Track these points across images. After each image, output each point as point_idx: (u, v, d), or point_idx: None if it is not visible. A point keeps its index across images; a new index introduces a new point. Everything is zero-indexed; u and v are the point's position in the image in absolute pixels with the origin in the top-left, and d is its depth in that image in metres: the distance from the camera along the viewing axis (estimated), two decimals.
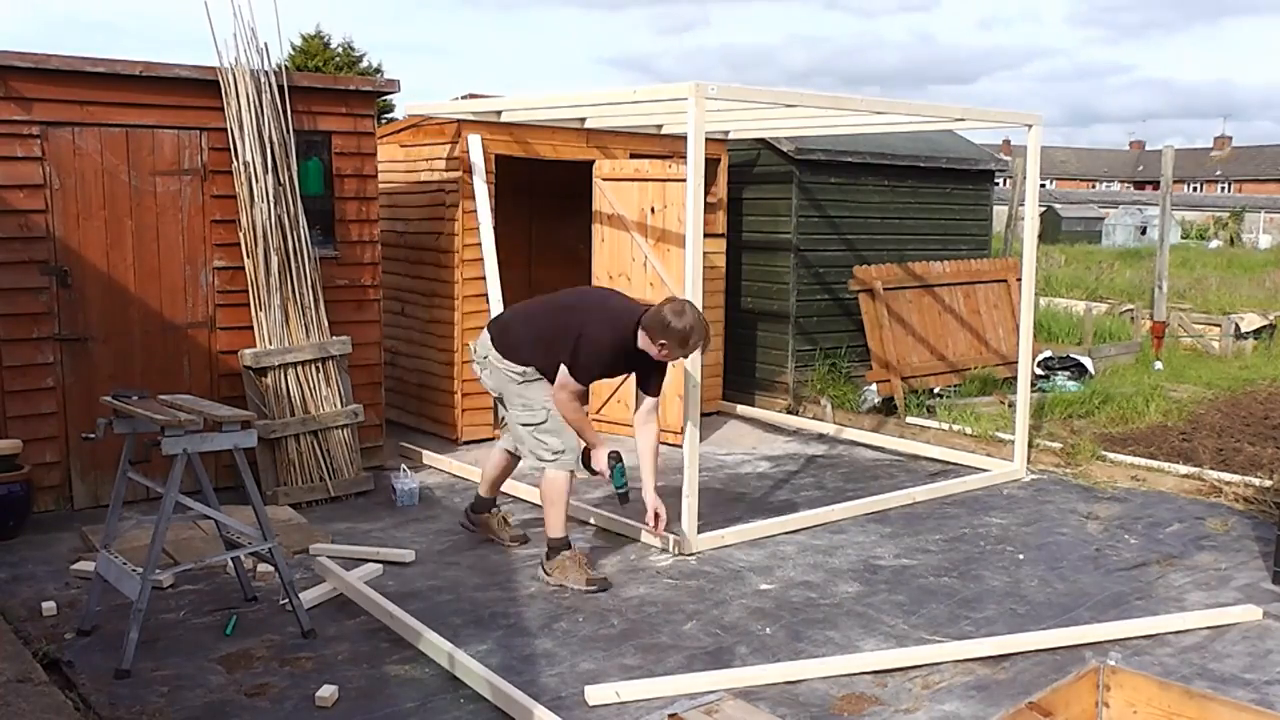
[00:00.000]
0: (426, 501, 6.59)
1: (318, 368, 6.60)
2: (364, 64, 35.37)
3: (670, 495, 5.61)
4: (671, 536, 5.71)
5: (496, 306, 7.33)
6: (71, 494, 6.24)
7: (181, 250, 6.42)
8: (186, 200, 6.40)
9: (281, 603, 4.80)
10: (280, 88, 6.53)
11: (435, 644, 4.34)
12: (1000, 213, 14.62)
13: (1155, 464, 7.36)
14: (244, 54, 6.45)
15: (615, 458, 5.30)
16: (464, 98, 8.03)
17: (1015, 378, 8.00)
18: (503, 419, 5.76)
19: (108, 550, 4.51)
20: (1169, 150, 11.82)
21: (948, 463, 7.73)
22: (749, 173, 9.34)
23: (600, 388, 8.21)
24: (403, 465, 6.92)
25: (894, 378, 8.94)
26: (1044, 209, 41.15)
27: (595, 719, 3.91)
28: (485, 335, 5.49)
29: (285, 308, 6.53)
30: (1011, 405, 8.15)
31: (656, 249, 7.99)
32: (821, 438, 8.58)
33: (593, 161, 8.19)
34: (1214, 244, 39.60)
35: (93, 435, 4.44)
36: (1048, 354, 10.25)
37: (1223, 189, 70.45)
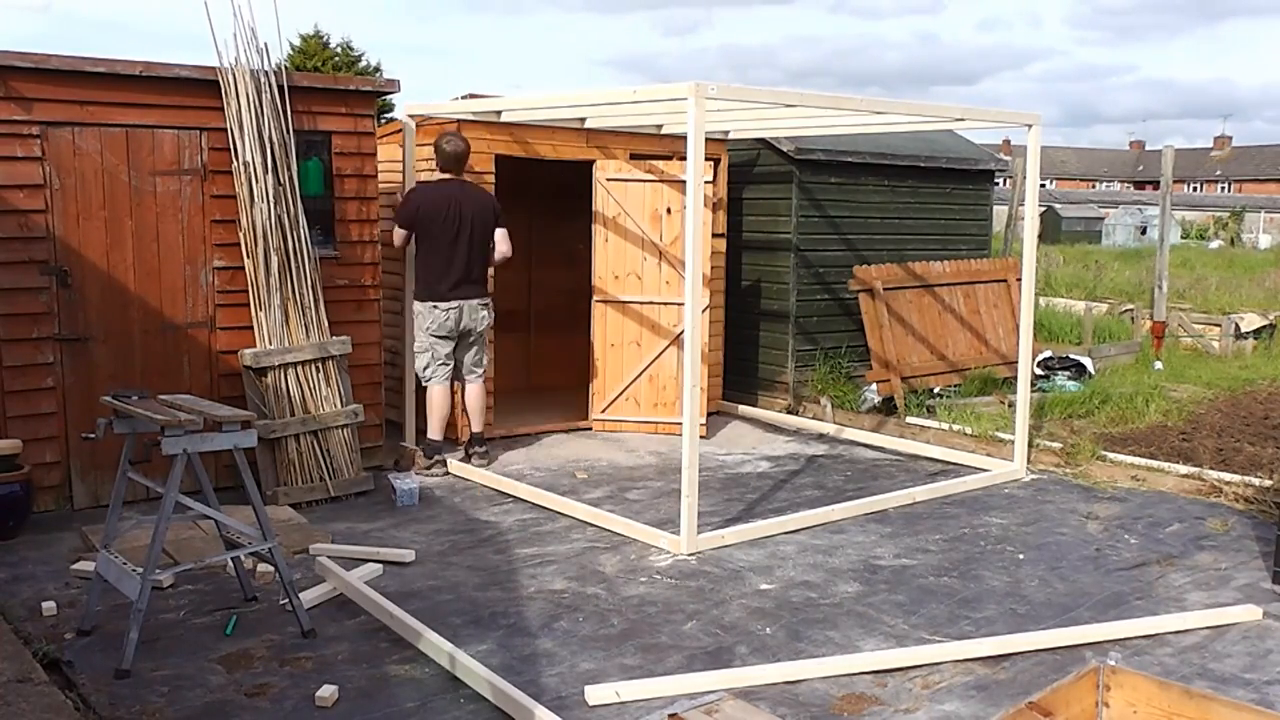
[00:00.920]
0: (426, 501, 6.59)
1: (318, 368, 6.60)
2: (363, 64, 35.37)
3: (670, 495, 5.61)
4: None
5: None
6: (71, 494, 6.23)
7: (181, 250, 6.42)
8: (186, 200, 6.40)
9: (281, 603, 4.80)
10: (280, 88, 6.53)
11: (435, 644, 4.34)
12: (1000, 213, 14.62)
13: (1155, 464, 7.37)
14: (244, 54, 6.46)
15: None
16: (464, 98, 8.03)
17: (1015, 377, 8.00)
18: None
19: (108, 550, 4.51)
20: (1169, 150, 11.82)
21: (948, 463, 7.73)
22: (749, 173, 9.34)
23: (609, 385, 8.22)
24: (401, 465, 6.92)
25: (894, 377, 8.95)
26: (1044, 209, 41.18)
27: (595, 719, 3.91)
28: None
29: (285, 308, 6.53)
30: (1011, 405, 8.15)
31: (671, 249, 8.02)
32: (822, 437, 8.59)
33: (593, 161, 8.19)
34: (1214, 244, 39.63)
35: (93, 435, 4.44)
36: (1048, 354, 10.25)
37: (1223, 189, 70.49)
